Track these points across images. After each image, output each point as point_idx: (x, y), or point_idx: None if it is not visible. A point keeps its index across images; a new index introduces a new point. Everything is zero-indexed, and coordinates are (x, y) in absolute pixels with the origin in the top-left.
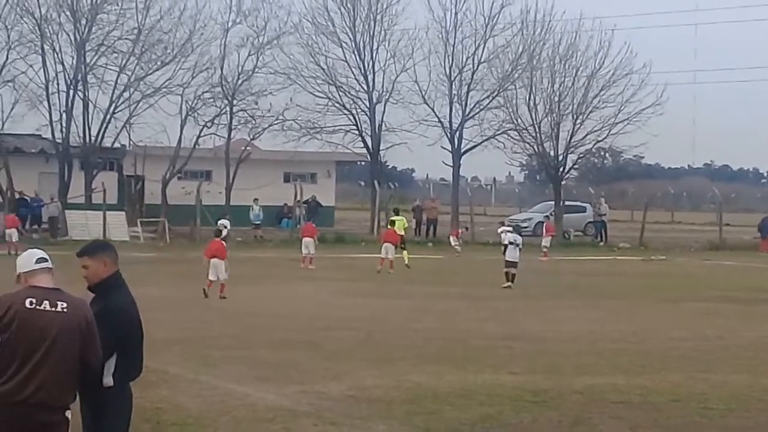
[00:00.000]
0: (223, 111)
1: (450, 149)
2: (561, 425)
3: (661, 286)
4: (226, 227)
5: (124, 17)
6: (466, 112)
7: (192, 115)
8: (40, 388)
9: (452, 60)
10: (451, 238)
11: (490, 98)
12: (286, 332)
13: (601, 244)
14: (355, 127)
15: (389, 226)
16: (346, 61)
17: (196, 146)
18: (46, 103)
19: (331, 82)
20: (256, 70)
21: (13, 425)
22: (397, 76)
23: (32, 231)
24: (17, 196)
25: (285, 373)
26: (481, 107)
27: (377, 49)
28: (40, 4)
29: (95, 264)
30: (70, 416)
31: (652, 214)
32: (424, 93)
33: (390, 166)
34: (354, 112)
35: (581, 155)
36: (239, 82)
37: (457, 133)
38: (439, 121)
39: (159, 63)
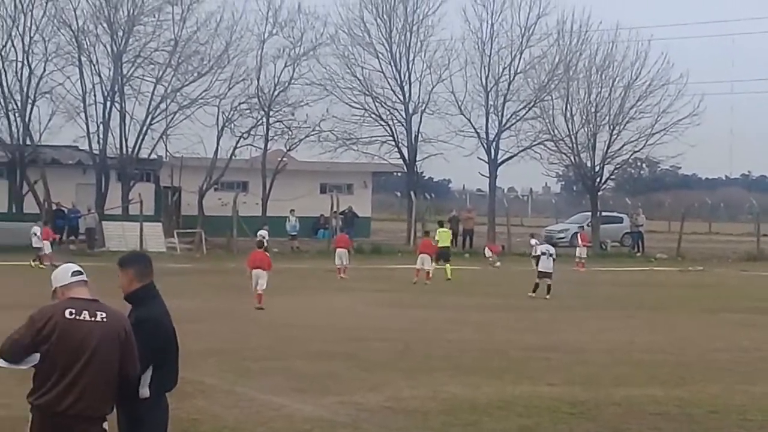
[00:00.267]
0: (260, 122)
1: (486, 160)
2: None
3: (699, 297)
4: (264, 237)
5: (160, 29)
6: (503, 123)
7: (228, 127)
8: (80, 398)
9: (488, 70)
10: (486, 250)
11: (527, 109)
12: (322, 343)
13: (638, 254)
14: (391, 138)
15: (424, 237)
16: (383, 72)
17: (233, 157)
18: (83, 115)
19: (367, 92)
20: (293, 81)
21: None
22: (434, 87)
23: (69, 242)
24: (54, 207)
25: (322, 384)
26: (518, 118)
27: (413, 59)
28: (78, 16)
29: (123, 276)
30: (107, 427)
31: (689, 225)
32: (460, 103)
33: (426, 177)
34: (390, 122)
35: (618, 166)
36: (276, 93)
37: (494, 143)
38: (476, 132)
39: (195, 74)
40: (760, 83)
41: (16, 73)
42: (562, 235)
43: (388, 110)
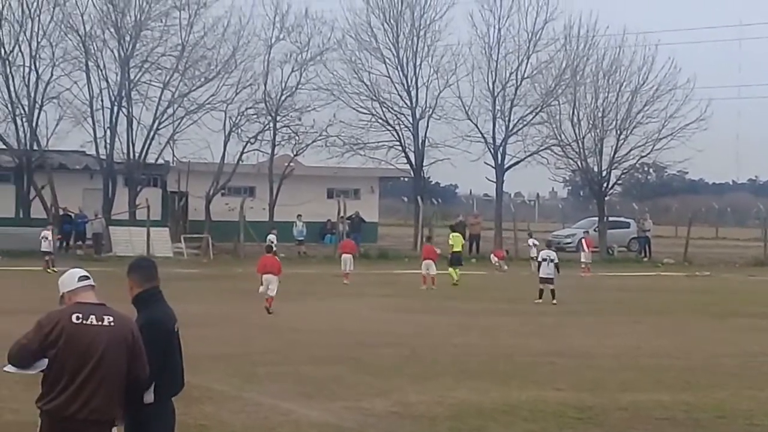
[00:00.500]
0: (267, 127)
1: (493, 165)
2: None
3: (706, 302)
4: (273, 242)
5: (168, 34)
6: (510, 128)
7: (235, 132)
8: (88, 403)
9: (495, 75)
10: (493, 257)
11: (534, 114)
12: (329, 348)
13: (645, 259)
14: (398, 143)
15: (426, 243)
16: (390, 77)
17: (240, 162)
18: (90, 120)
19: (374, 97)
20: (300, 86)
21: None
22: (441, 92)
23: (76, 247)
24: (61, 212)
25: (329, 389)
26: (525, 123)
27: (420, 64)
28: (85, 21)
29: (130, 281)
30: None
31: (696, 230)
32: (467, 108)
33: (433, 182)
34: (397, 127)
35: (625, 171)
36: (283, 98)
37: (501, 148)
38: (483, 137)
39: (203, 79)
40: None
41: (24, 78)
42: (569, 240)
43: (395, 115)
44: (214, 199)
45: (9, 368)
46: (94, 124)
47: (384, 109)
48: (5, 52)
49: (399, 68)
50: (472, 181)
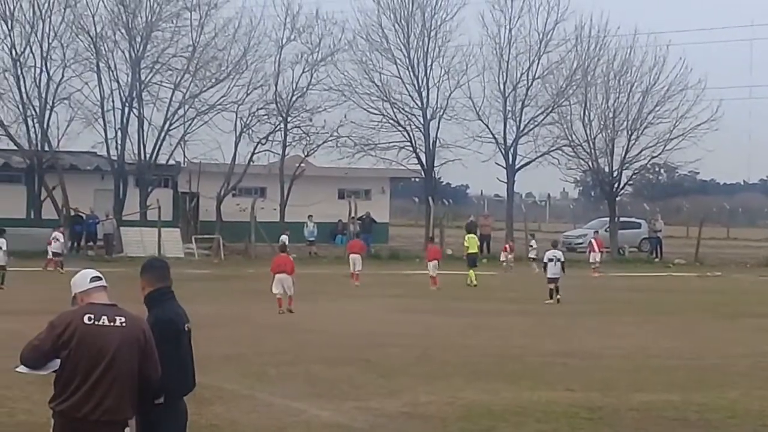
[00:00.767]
0: (278, 128)
1: (504, 165)
2: None
3: (717, 303)
4: (284, 242)
5: (178, 35)
6: (521, 128)
7: (246, 132)
8: (100, 403)
9: (506, 76)
10: (502, 255)
11: (545, 114)
12: (340, 348)
13: (657, 260)
14: (409, 144)
15: (430, 244)
16: (401, 78)
17: (251, 163)
18: (101, 121)
19: (385, 98)
20: (311, 86)
21: None
22: (452, 93)
23: (88, 248)
24: (72, 213)
25: (339, 390)
26: (536, 123)
27: (431, 65)
28: (96, 22)
29: (141, 281)
30: None
31: (707, 230)
32: (478, 109)
33: (444, 183)
34: (408, 128)
35: (636, 171)
36: (293, 98)
37: (512, 149)
38: (494, 137)
39: (213, 80)
40: None
41: (35, 79)
42: (580, 240)
43: (406, 116)
44: (225, 200)
45: (22, 369)
46: (105, 124)
47: (395, 109)
48: (17, 53)
49: (410, 69)
50: (483, 182)
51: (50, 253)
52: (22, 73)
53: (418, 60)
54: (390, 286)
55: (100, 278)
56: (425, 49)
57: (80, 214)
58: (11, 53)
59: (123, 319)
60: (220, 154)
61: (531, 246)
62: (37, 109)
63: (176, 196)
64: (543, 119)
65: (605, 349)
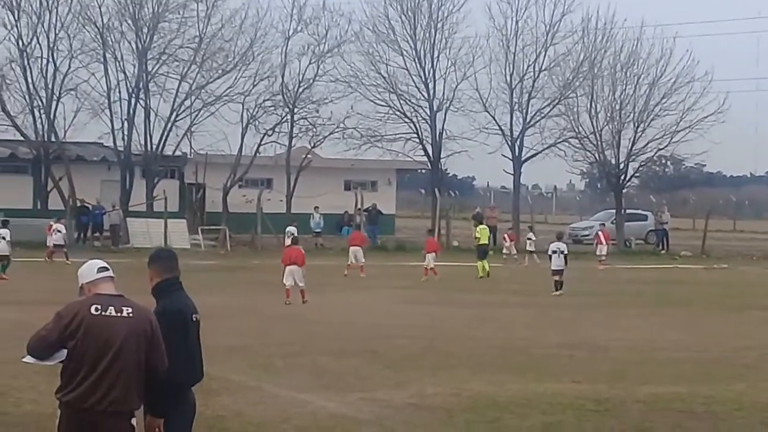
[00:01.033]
0: (284, 119)
1: (511, 157)
2: None
3: (723, 295)
4: (293, 234)
5: (185, 26)
6: (527, 120)
7: (253, 123)
8: (107, 394)
9: (513, 68)
10: (504, 244)
11: (551, 106)
12: (346, 340)
13: (663, 252)
14: (415, 135)
15: (428, 235)
16: (407, 69)
17: (257, 154)
18: (108, 112)
19: (391, 90)
20: (317, 78)
21: (81, 431)
22: (458, 84)
23: (94, 239)
24: (78, 204)
25: (346, 381)
26: (542, 115)
27: (438, 57)
28: (102, 12)
29: (150, 272)
30: (135, 423)
31: (713, 223)
32: (484, 101)
33: (450, 174)
34: (414, 120)
35: (642, 163)
36: (300, 90)
37: (518, 141)
38: (500, 129)
39: (220, 71)
40: None
41: (41, 69)
42: (586, 232)
43: (413, 107)
44: (231, 191)
45: (28, 359)
46: (111, 115)
47: (401, 101)
48: (23, 43)
49: (416, 60)
50: (489, 174)
51: (51, 244)
52: (28, 63)
53: (425, 51)
54: (396, 278)
55: (107, 269)
56: (432, 41)
57: (86, 204)
58: (18, 44)
59: (130, 310)
60: (227, 145)
61: (529, 238)
62: (44, 100)
63: (183, 187)
64: (549, 111)
65: (611, 341)
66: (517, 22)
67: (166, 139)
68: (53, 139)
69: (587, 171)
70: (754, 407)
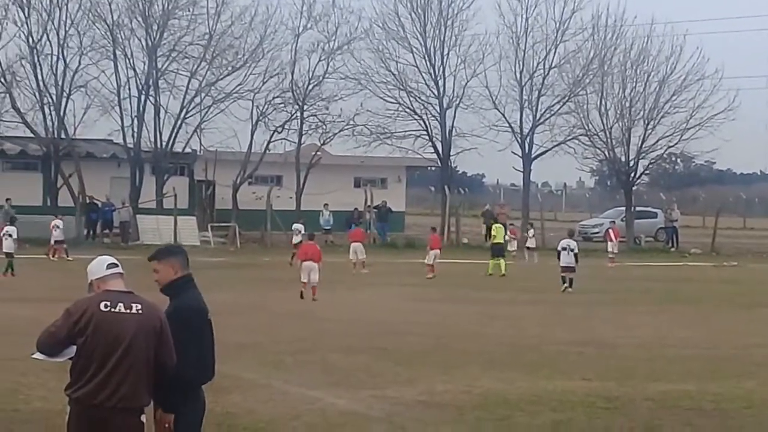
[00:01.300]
0: (294, 116)
1: (520, 154)
2: None
3: (733, 292)
4: (300, 231)
5: (195, 23)
6: (537, 118)
7: (263, 120)
8: (117, 391)
9: (523, 65)
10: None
11: (561, 103)
12: (356, 337)
13: (673, 249)
14: (425, 133)
15: (432, 233)
16: (417, 67)
17: (267, 151)
18: (117, 109)
19: (401, 87)
20: (327, 75)
21: (90, 428)
22: (468, 81)
23: (103, 236)
24: (87, 200)
25: (356, 378)
26: (552, 112)
27: (448, 54)
28: (112, 9)
29: (164, 268)
30: (145, 420)
31: (723, 220)
32: (494, 98)
33: (460, 172)
34: (424, 117)
35: (652, 161)
36: (310, 87)
37: (528, 138)
38: (510, 127)
39: (230, 68)
40: None
41: (51, 66)
42: (596, 230)
43: (423, 105)
44: (241, 188)
45: (38, 356)
46: (121, 112)
47: (411, 98)
48: (33, 40)
49: (426, 58)
50: (499, 171)
51: (52, 241)
52: (38, 60)
53: (435, 49)
54: (406, 275)
55: (116, 265)
56: (442, 38)
57: (95, 201)
58: (28, 41)
59: (139, 307)
60: (237, 142)
61: (529, 236)
62: (54, 97)
63: (192, 184)
64: (559, 108)
65: (621, 338)
66: (527, 19)
67: (175, 136)
68: (63, 136)
69: (597, 168)
70: (764, 405)
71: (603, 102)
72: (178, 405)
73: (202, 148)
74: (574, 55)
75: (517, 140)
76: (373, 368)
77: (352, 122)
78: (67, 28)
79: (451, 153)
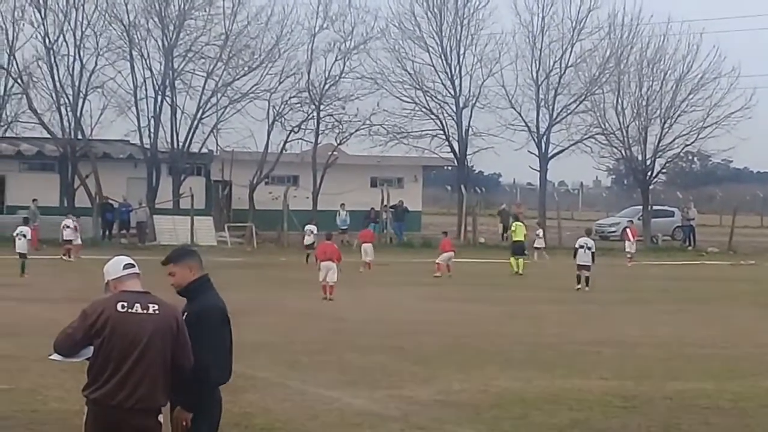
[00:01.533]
0: (310, 116)
1: (537, 154)
2: (650, 431)
3: (751, 291)
4: (312, 232)
5: (211, 23)
6: (553, 117)
7: (279, 120)
8: (134, 391)
9: (539, 64)
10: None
11: (578, 102)
12: (373, 336)
13: (690, 248)
14: (441, 132)
15: (443, 236)
16: (433, 66)
17: (283, 151)
18: (134, 109)
19: (417, 86)
20: (343, 75)
21: (108, 429)
22: (484, 81)
23: (120, 236)
24: (103, 201)
25: (373, 378)
26: (569, 111)
27: (464, 53)
28: (129, 10)
29: (181, 270)
30: (162, 420)
31: (740, 219)
32: (511, 97)
33: (477, 171)
34: (441, 116)
35: (669, 159)
36: (326, 87)
37: (544, 137)
38: (526, 126)
39: (246, 68)
40: None
41: (68, 67)
42: (612, 229)
43: (439, 104)
44: (257, 188)
45: (55, 357)
46: (138, 113)
47: (427, 98)
48: (50, 41)
49: (442, 57)
50: (515, 170)
51: (61, 240)
52: (55, 61)
53: (451, 48)
54: (422, 275)
55: (133, 265)
56: (458, 37)
57: (111, 202)
58: (45, 41)
59: (156, 307)
60: (253, 142)
61: (537, 235)
62: (71, 98)
63: (209, 184)
64: (576, 107)
65: (639, 337)
66: (543, 18)
67: (192, 137)
68: (80, 136)
69: (614, 167)
70: None
71: (619, 101)
72: (196, 404)
73: (218, 148)
74: (590, 54)
75: (534, 139)
76: (390, 368)
77: (368, 122)
78: (83, 29)
79: (468, 152)
